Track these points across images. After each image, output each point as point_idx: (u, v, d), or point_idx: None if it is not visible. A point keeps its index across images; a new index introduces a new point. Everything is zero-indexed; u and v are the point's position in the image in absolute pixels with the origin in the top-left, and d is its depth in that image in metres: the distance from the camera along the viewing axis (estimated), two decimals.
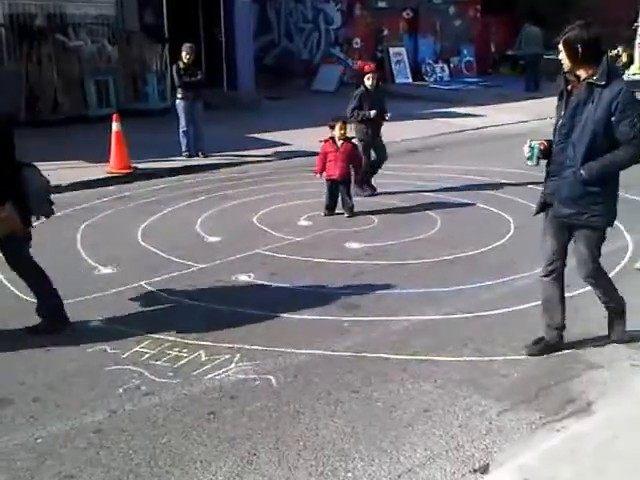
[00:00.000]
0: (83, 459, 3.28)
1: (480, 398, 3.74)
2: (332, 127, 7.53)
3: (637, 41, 17.38)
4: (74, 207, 7.93)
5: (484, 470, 3.11)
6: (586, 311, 4.74)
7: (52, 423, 3.58)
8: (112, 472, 3.19)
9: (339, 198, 7.55)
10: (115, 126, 9.35)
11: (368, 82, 8.15)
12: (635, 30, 17.47)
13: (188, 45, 10.26)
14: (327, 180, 7.55)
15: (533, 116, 14.37)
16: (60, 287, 4.66)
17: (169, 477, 3.15)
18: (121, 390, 3.89)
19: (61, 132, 11.78)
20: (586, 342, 4.36)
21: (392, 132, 11.85)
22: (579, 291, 4.76)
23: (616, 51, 17.51)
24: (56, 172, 9.18)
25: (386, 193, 8.31)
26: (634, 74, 16.25)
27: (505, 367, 4.09)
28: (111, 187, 8.98)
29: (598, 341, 4.38)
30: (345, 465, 3.21)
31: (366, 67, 8.57)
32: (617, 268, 5.55)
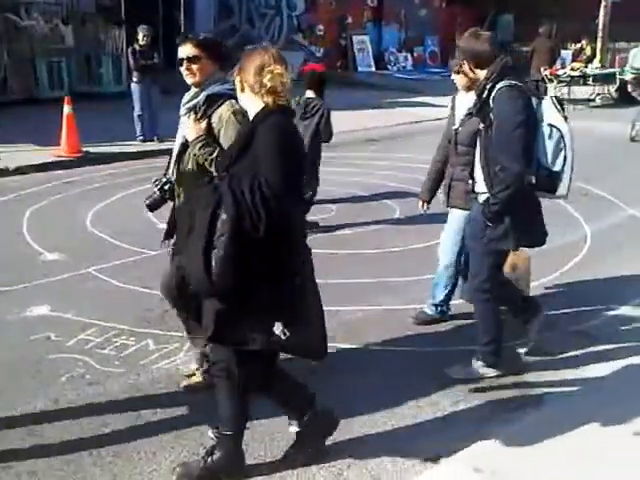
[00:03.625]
0: (24, 449, 3.16)
1: (432, 389, 3.71)
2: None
3: (599, 35, 17.67)
4: (21, 191, 7.69)
5: (435, 460, 3.07)
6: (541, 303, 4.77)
7: None
8: (53, 462, 3.08)
9: None
10: (66, 109, 9.10)
11: None
12: (598, 24, 17.76)
13: (144, 27, 10.00)
14: None
15: None
16: (4, 273, 4.49)
17: (112, 467, 3.06)
18: (64, 379, 3.76)
19: (10, 114, 11.42)
20: (541, 334, 4.37)
21: (352, 121, 11.83)
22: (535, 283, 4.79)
23: (580, 44, 17.79)
24: (3, 155, 8.93)
25: (345, 182, 8.24)
26: (595, 67, 16.55)
27: (458, 357, 4.05)
28: (60, 171, 8.74)
29: (553, 332, 4.37)
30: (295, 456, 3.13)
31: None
32: (571, 262, 5.61)
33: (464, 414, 3.49)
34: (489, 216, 3.51)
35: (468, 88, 4.05)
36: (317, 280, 5.23)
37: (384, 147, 10.72)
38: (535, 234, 3.67)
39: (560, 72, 15.32)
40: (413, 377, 3.83)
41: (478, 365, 3.80)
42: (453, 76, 4.23)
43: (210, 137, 3.22)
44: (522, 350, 3.98)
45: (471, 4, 22.29)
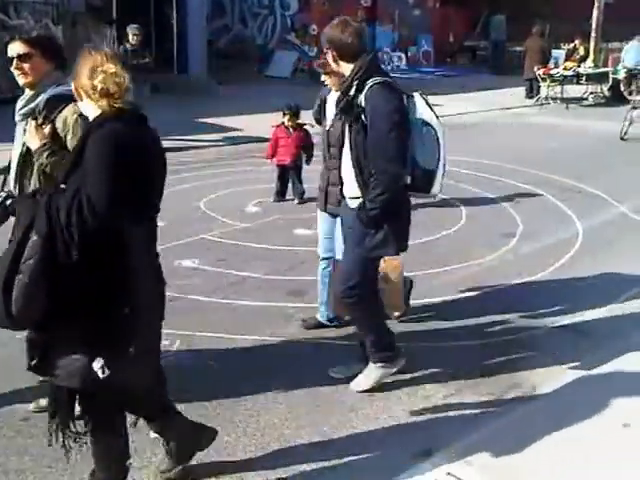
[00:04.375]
0: (12, 448, 3.14)
1: (425, 382, 3.71)
2: (285, 113, 7.40)
3: (592, 36, 17.74)
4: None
5: (427, 454, 3.06)
6: (531, 299, 4.77)
7: None
8: (41, 460, 3.06)
9: (289, 184, 7.44)
10: None
11: None
12: (591, 25, 17.82)
13: (134, 26, 9.95)
14: (278, 166, 7.42)
15: (490, 106, 14.53)
16: None
17: None
18: None
19: None
20: (532, 328, 4.37)
21: None
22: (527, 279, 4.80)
23: (573, 44, 17.87)
24: None
25: None
26: (589, 67, 16.63)
27: (451, 352, 4.06)
28: None
29: (543, 327, 4.39)
30: (285, 450, 3.14)
31: None
32: (563, 259, 5.62)
33: (455, 408, 3.49)
34: (366, 221, 3.27)
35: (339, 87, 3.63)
36: (314, 278, 5.23)
37: None
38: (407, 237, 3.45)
39: (553, 71, 15.37)
40: (405, 372, 3.80)
41: (377, 367, 3.61)
42: (323, 77, 3.99)
43: (56, 144, 2.94)
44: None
45: (464, 4, 22.35)
